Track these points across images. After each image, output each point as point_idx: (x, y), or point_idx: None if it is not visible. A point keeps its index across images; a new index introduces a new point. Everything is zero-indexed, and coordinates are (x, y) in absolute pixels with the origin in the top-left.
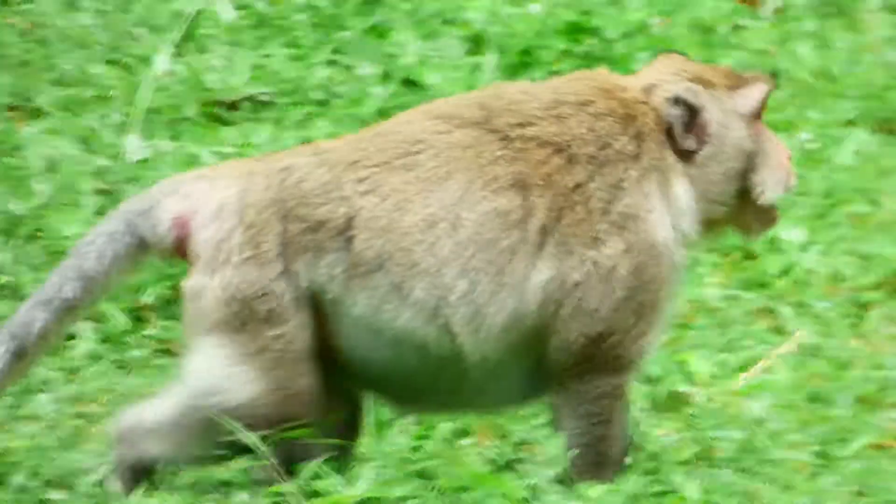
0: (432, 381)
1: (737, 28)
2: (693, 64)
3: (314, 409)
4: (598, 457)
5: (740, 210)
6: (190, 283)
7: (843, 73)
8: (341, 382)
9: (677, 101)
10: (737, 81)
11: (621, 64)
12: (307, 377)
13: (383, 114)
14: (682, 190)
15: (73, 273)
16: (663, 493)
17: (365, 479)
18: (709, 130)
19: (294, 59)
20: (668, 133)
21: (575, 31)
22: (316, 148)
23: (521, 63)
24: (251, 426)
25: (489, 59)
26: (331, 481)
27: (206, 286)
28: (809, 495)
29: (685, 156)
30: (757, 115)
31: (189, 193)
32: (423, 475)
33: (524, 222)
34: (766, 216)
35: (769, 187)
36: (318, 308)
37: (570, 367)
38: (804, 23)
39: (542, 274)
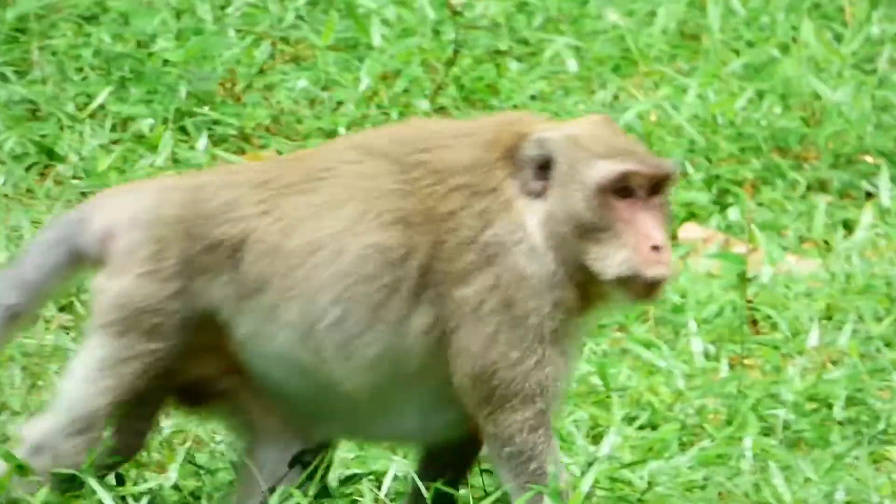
0: (324, 405)
1: None
2: (603, 129)
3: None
4: (542, 492)
5: (592, 281)
6: (94, 283)
7: None
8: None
9: (538, 144)
10: (616, 153)
11: None
12: (151, 400)
13: None
14: (536, 225)
15: (15, 281)
16: None
17: None
18: (550, 185)
19: None
20: (524, 171)
21: None
22: (235, 168)
23: None
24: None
25: None
26: None
27: (105, 289)
28: None
29: (537, 199)
30: (607, 191)
31: (114, 206)
32: None
33: (405, 261)
34: (630, 291)
35: (609, 263)
36: (213, 329)
37: (475, 411)
38: None
39: (422, 319)
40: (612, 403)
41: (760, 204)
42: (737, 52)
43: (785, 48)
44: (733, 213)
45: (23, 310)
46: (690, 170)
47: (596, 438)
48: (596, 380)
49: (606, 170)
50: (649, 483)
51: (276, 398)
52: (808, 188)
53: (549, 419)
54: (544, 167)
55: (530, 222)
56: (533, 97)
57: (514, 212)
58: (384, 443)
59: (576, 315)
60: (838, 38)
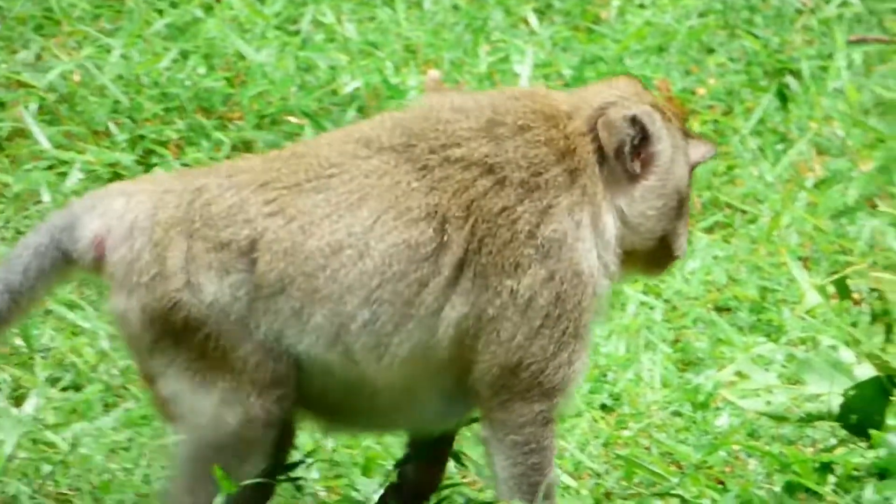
0: (345, 402)
1: None
2: (651, 94)
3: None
4: (532, 487)
5: (653, 253)
6: (112, 306)
7: None
8: None
9: (634, 121)
10: (689, 131)
11: None
12: (262, 371)
13: None
14: (610, 222)
15: (1, 287)
16: None
17: None
18: (658, 161)
19: None
20: (617, 152)
21: None
22: (232, 167)
23: None
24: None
25: None
26: None
27: (127, 309)
28: None
29: (625, 181)
30: (692, 170)
31: (106, 211)
32: None
33: (437, 256)
34: (667, 265)
35: (684, 240)
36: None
37: (489, 397)
38: None
39: (455, 310)
40: (35, 364)
41: (185, 165)
42: (160, 13)
43: (208, 8)
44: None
45: (8, 315)
46: (115, 130)
47: (19, 400)
48: (19, 341)
49: (702, 149)
50: (73, 444)
51: (301, 396)
52: (233, 149)
53: (558, 415)
54: (640, 146)
55: (605, 214)
56: None
57: (584, 209)
58: (397, 432)
59: None
60: None
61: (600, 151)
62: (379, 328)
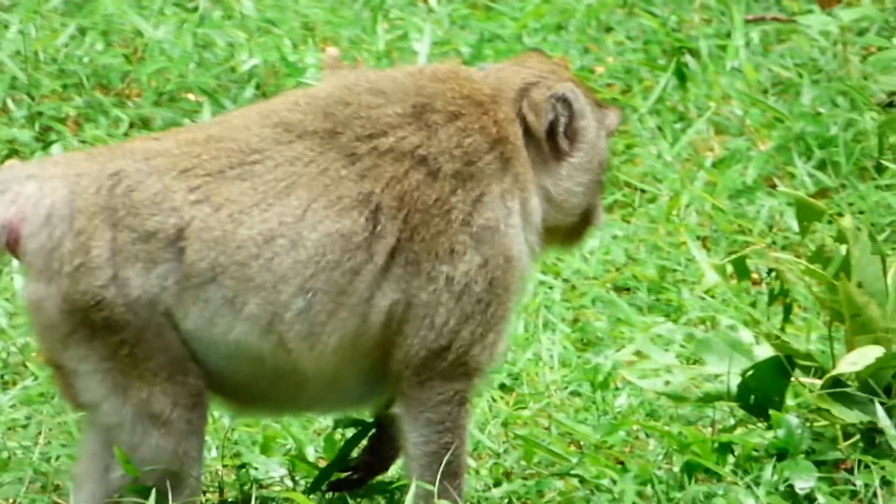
0: (270, 388)
1: None
2: (561, 67)
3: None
4: (446, 466)
5: (574, 227)
6: (28, 292)
7: None
8: None
9: (561, 100)
10: (597, 99)
11: None
12: (171, 377)
13: None
14: (536, 204)
15: None
16: None
17: None
18: (584, 137)
19: None
20: (548, 133)
21: None
22: (147, 150)
23: None
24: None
25: None
26: None
27: (45, 297)
28: None
29: (552, 160)
30: (609, 137)
31: (18, 197)
32: None
33: (369, 244)
34: (583, 236)
35: (601, 209)
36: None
37: (409, 376)
38: None
39: (387, 297)
40: None
41: (84, 142)
42: None
43: None
44: (57, 151)
45: None
46: (12, 107)
47: None
48: None
49: (613, 117)
50: None
51: (220, 382)
52: (132, 125)
53: (473, 395)
54: (568, 124)
55: (533, 198)
56: None
57: (515, 195)
58: (318, 415)
59: None
60: None
61: (528, 134)
62: (313, 317)
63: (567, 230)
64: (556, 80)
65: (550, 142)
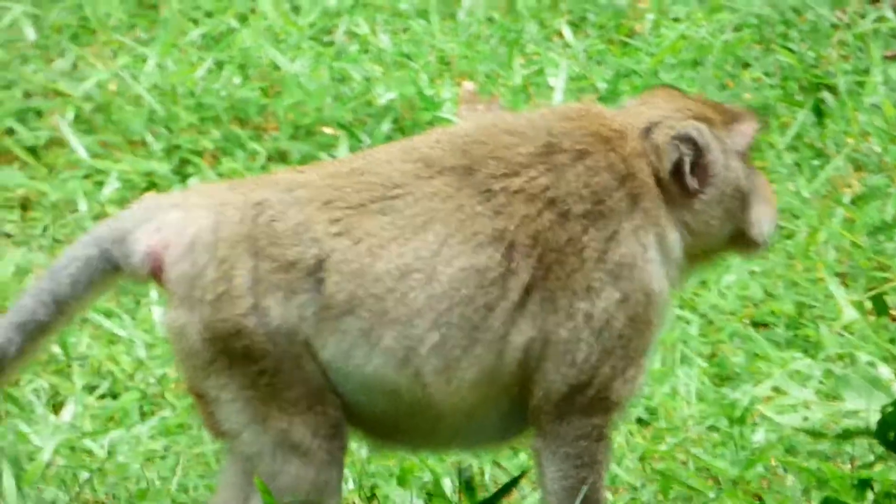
0: (407, 423)
1: None
2: (689, 98)
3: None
4: (584, 501)
5: (730, 243)
6: (170, 318)
7: None
8: None
9: (686, 140)
10: (729, 116)
11: None
12: (311, 407)
13: None
14: (675, 238)
15: (48, 297)
16: None
17: None
18: (712, 172)
19: None
20: (674, 173)
21: None
22: (291, 182)
23: None
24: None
25: None
26: None
27: (187, 324)
28: None
29: (685, 196)
30: (748, 153)
31: (162, 225)
32: None
33: (504, 280)
34: (755, 247)
35: (763, 224)
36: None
37: (549, 411)
38: None
39: (522, 333)
40: (72, 372)
41: (221, 175)
42: (195, 22)
43: (243, 18)
44: (194, 184)
45: (52, 325)
46: (150, 140)
47: (56, 408)
48: (56, 349)
49: (745, 133)
50: (110, 452)
51: (358, 415)
52: (269, 159)
53: (612, 430)
54: (695, 162)
55: (671, 233)
56: None
57: (649, 231)
58: (462, 452)
59: None
60: (296, 9)
61: (656, 171)
62: (448, 351)
63: (722, 248)
64: (679, 118)
65: (678, 181)
